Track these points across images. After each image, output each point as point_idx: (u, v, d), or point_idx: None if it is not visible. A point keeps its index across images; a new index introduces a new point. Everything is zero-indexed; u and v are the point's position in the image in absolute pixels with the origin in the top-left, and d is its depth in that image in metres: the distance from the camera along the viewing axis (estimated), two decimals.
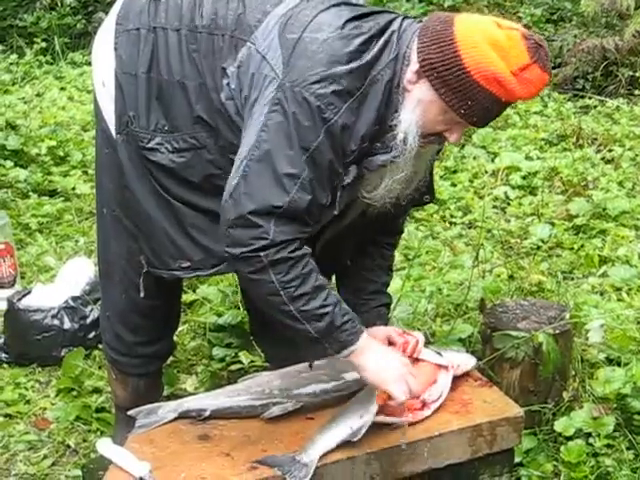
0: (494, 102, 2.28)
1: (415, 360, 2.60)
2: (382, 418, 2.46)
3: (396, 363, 2.44)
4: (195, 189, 2.52)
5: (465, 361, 2.72)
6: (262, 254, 2.26)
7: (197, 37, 2.45)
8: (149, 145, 2.51)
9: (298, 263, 2.29)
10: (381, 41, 2.32)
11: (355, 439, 2.40)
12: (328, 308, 2.32)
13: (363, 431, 2.41)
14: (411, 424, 2.49)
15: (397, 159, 2.36)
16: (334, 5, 2.39)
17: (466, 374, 2.70)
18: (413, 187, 2.50)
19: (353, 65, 2.27)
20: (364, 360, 2.40)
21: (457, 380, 2.66)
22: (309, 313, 2.31)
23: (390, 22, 2.37)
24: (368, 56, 2.30)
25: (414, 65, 2.30)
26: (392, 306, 3.46)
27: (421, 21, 2.37)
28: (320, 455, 2.36)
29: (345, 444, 2.40)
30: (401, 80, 2.33)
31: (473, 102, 2.27)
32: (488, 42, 2.23)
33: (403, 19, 2.40)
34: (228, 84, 2.40)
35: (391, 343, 2.61)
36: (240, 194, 2.28)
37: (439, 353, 2.67)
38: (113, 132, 2.59)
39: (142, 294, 2.70)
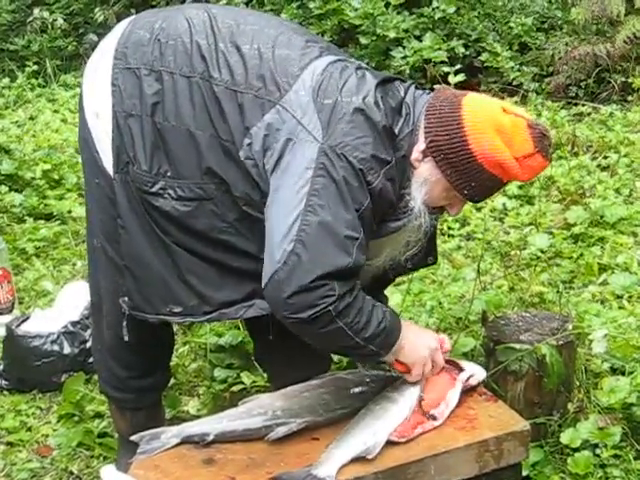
0: (496, 183, 2.41)
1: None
2: (394, 438, 2.45)
3: (427, 340, 2.56)
4: (198, 237, 2.49)
5: (478, 372, 2.70)
6: (331, 308, 2.29)
7: (214, 89, 2.41)
8: (152, 190, 2.46)
9: (356, 301, 2.35)
10: (403, 111, 2.42)
11: (370, 457, 2.39)
12: (383, 323, 2.40)
13: (378, 450, 2.40)
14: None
15: (406, 226, 2.45)
16: (357, 69, 2.46)
17: (471, 389, 2.68)
18: (411, 252, 2.57)
19: (387, 131, 2.37)
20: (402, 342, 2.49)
21: (463, 395, 2.63)
22: (371, 337, 2.39)
23: (406, 91, 2.46)
24: (396, 126, 2.39)
25: (421, 144, 2.40)
26: None
27: (429, 93, 2.47)
28: (337, 469, 2.34)
29: (352, 463, 2.38)
30: (409, 155, 2.42)
31: (476, 183, 2.39)
32: (494, 128, 2.34)
33: (414, 89, 2.47)
34: (250, 145, 2.38)
35: None
36: (300, 260, 2.27)
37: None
38: (105, 164, 2.54)
39: (126, 338, 2.65)
